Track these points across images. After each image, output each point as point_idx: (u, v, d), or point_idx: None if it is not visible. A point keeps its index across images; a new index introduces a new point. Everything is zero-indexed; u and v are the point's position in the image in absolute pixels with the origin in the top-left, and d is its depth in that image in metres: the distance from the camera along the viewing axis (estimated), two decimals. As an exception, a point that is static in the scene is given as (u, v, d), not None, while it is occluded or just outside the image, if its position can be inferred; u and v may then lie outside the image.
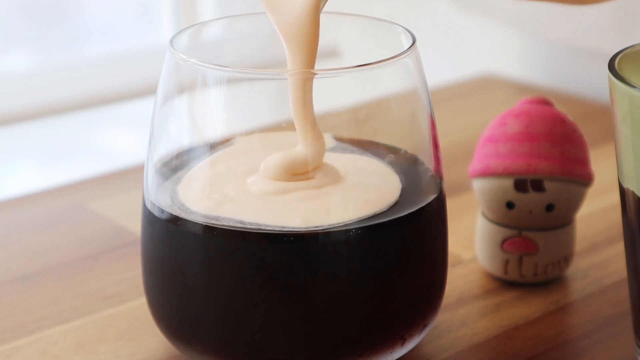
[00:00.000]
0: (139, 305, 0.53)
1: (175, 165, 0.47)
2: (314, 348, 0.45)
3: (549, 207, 0.53)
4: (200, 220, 0.44)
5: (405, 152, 0.48)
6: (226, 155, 0.46)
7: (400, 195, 0.46)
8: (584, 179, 0.54)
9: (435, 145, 0.47)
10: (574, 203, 0.54)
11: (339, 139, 0.49)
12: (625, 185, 0.45)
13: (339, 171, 0.46)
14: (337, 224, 0.43)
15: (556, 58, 0.92)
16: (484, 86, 0.90)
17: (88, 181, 0.70)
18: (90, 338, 0.51)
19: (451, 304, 0.53)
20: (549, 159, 0.53)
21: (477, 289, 0.55)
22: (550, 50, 0.92)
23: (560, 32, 0.86)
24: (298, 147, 0.46)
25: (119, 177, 0.70)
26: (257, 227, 0.43)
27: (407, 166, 0.48)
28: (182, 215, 0.44)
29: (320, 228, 0.43)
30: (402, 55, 0.45)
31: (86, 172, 0.72)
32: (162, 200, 0.46)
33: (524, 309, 0.53)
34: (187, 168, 0.46)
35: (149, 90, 1.05)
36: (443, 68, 1.00)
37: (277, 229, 0.43)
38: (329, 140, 0.48)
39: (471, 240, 0.59)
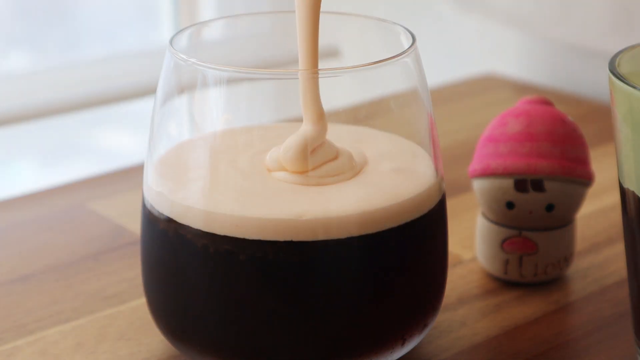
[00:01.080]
0: (139, 305, 0.53)
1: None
2: (314, 348, 0.45)
3: (549, 207, 0.53)
4: (200, 220, 0.44)
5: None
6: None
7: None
8: (584, 179, 0.54)
9: (435, 145, 0.47)
10: (574, 203, 0.54)
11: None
12: (626, 185, 0.45)
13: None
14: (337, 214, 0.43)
15: (556, 58, 0.92)
16: (484, 86, 0.90)
17: (88, 181, 0.70)
18: (90, 338, 0.51)
19: (451, 304, 0.53)
20: (549, 159, 0.53)
21: (477, 289, 0.55)
22: (550, 50, 0.92)
23: (560, 32, 0.86)
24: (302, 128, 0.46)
25: (119, 177, 0.70)
26: (257, 218, 0.43)
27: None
28: (178, 219, 0.44)
29: (320, 232, 0.43)
30: (402, 55, 0.45)
31: (86, 172, 0.72)
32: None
33: (524, 309, 0.53)
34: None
35: (149, 90, 1.05)
36: (443, 68, 1.00)
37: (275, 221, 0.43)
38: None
39: (471, 240, 0.59)
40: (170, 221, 0.45)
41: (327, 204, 0.44)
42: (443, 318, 0.52)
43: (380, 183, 0.45)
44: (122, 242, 0.61)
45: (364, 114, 0.49)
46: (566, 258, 0.55)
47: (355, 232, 0.44)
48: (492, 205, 0.54)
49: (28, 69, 1.09)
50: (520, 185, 0.53)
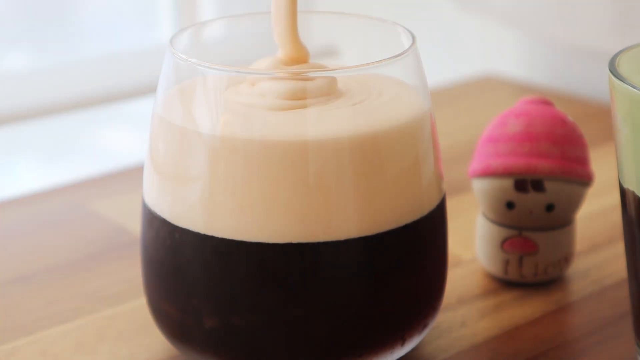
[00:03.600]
0: (139, 305, 0.53)
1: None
2: (314, 348, 0.45)
3: (549, 207, 0.53)
4: (199, 221, 0.44)
5: None
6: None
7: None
8: (584, 179, 0.54)
9: (436, 146, 0.47)
10: (574, 203, 0.54)
11: None
12: (625, 185, 0.45)
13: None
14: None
15: (556, 58, 0.92)
16: (484, 86, 0.90)
17: (88, 181, 0.70)
18: (90, 338, 0.51)
19: (451, 304, 0.53)
20: (549, 159, 0.53)
21: (477, 289, 0.55)
22: (550, 50, 0.92)
23: (560, 32, 0.86)
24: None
25: (119, 177, 0.70)
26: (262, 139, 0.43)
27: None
28: (178, 220, 0.44)
29: (320, 234, 0.43)
30: (402, 55, 0.45)
31: (86, 172, 0.72)
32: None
33: (524, 309, 0.53)
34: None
35: (148, 90, 1.05)
36: (443, 68, 1.00)
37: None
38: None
39: (471, 240, 0.59)
40: (169, 222, 0.45)
41: (321, 127, 0.43)
42: (443, 318, 0.52)
43: (374, 111, 0.45)
44: (122, 242, 0.61)
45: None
46: (566, 258, 0.55)
47: (354, 233, 0.44)
48: (492, 205, 0.54)
49: (28, 69, 1.09)
50: (520, 185, 0.53)
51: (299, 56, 0.46)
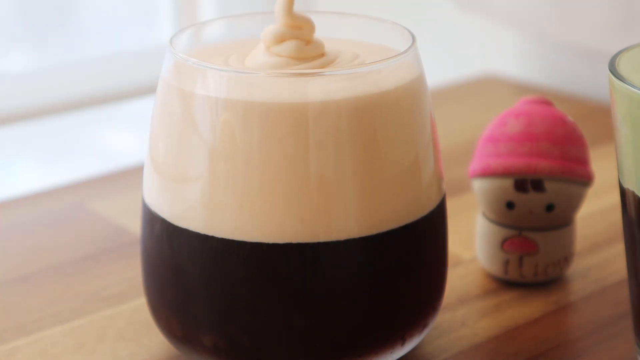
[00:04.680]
0: (139, 305, 0.53)
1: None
2: (314, 348, 0.45)
3: (549, 207, 0.53)
4: (199, 221, 0.44)
5: None
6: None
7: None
8: (584, 179, 0.54)
9: (436, 146, 0.47)
10: (574, 203, 0.54)
11: None
12: (625, 185, 0.45)
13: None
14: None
15: (556, 58, 0.92)
16: (484, 86, 0.90)
17: (88, 181, 0.70)
18: (90, 338, 0.51)
19: (451, 304, 0.53)
20: (549, 159, 0.53)
21: (477, 289, 0.55)
22: (550, 50, 0.92)
23: (561, 32, 0.86)
24: None
25: (119, 177, 0.70)
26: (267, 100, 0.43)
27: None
28: (178, 220, 0.45)
29: (320, 234, 0.43)
30: (402, 55, 0.45)
31: (86, 172, 0.72)
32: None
33: (524, 309, 0.53)
34: None
35: (148, 90, 1.05)
36: (443, 68, 1.00)
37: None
38: None
39: (471, 240, 0.59)
40: (169, 222, 0.45)
41: (325, 92, 0.43)
42: (443, 318, 0.52)
43: (370, 79, 0.45)
44: (122, 242, 0.61)
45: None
46: (566, 258, 0.55)
47: (354, 233, 0.44)
48: (492, 205, 0.54)
49: (28, 69, 1.09)
50: (520, 185, 0.53)
51: (294, 25, 0.46)
